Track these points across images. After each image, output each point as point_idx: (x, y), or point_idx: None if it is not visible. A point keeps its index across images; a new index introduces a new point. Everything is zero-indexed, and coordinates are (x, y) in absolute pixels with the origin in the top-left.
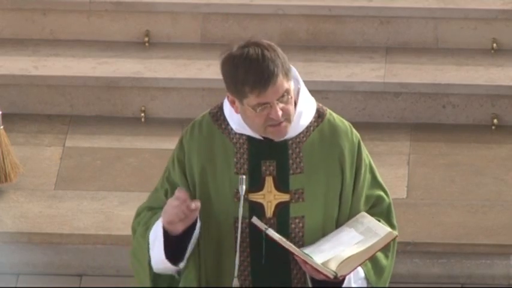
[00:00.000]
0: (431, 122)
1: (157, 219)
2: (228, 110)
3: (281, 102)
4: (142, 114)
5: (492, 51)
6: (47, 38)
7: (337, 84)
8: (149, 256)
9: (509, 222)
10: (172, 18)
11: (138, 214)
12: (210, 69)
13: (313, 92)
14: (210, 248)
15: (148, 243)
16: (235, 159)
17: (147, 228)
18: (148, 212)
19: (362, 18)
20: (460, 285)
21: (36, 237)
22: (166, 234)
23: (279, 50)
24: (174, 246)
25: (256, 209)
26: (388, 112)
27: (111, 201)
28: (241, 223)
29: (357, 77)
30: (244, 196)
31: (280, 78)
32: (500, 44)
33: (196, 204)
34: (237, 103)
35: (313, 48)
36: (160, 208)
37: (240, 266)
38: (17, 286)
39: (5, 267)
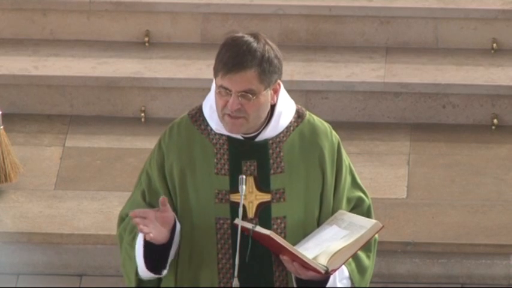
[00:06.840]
0: (431, 122)
1: None
2: (208, 110)
3: (242, 97)
4: (142, 114)
5: (492, 51)
6: (47, 38)
7: (337, 84)
8: (136, 263)
9: (509, 222)
10: (172, 18)
11: (121, 219)
12: (210, 69)
13: (313, 92)
14: (190, 248)
15: (135, 251)
16: (215, 160)
17: (134, 236)
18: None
19: (362, 18)
20: (460, 285)
21: (36, 237)
22: (150, 244)
23: (278, 56)
24: (157, 254)
25: (237, 210)
26: (388, 112)
27: (111, 201)
28: (223, 224)
29: (357, 77)
30: (225, 197)
31: (252, 74)
32: (500, 44)
33: (163, 197)
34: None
35: (313, 48)
36: None
37: (222, 268)
38: (17, 286)
39: (5, 267)
